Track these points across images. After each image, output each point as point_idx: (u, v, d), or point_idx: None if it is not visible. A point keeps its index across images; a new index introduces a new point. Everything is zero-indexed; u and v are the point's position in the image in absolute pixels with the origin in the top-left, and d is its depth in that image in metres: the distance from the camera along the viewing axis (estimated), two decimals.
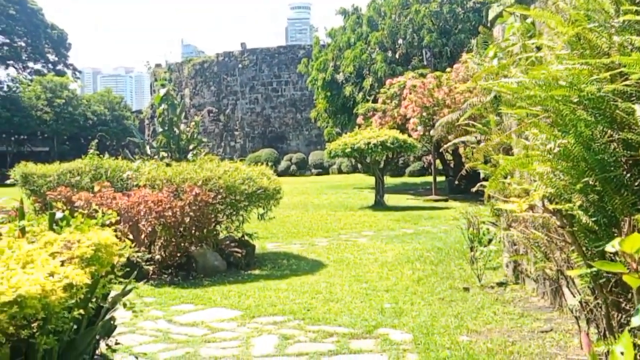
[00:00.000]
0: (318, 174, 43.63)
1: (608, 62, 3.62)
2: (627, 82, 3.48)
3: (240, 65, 50.66)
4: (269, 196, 10.26)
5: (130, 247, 5.09)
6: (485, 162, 7.03)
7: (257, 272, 9.60)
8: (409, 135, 20.60)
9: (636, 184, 3.66)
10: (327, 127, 33.35)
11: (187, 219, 9.17)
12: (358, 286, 8.17)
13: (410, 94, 22.24)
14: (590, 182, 3.79)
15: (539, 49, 5.19)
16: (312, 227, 14.72)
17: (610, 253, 3.42)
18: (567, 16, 4.12)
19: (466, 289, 7.74)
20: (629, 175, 3.73)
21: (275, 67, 50.37)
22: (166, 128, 13.88)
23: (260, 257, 10.65)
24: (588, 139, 3.75)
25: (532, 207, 4.61)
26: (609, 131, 3.77)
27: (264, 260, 10.42)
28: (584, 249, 4.00)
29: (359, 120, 25.46)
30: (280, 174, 35.04)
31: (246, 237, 10.59)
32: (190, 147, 14.07)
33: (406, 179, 34.40)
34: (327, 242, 12.47)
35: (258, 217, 10.74)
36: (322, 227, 14.70)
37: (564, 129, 3.84)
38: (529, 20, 6.30)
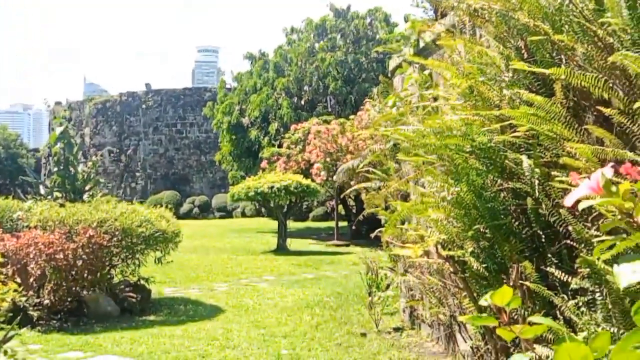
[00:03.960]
0: (221, 217, 43.03)
1: (498, 114, 3.76)
2: (516, 134, 3.61)
3: (144, 106, 49.79)
4: (167, 239, 10.01)
5: (17, 291, 4.82)
6: (387, 209, 7.13)
7: (152, 317, 9.29)
8: (313, 180, 20.73)
9: (524, 231, 3.78)
10: (231, 170, 33.09)
11: (80, 262, 8.80)
12: (256, 332, 8.03)
13: (315, 139, 22.47)
14: (481, 230, 3.89)
15: (435, 99, 5.36)
16: (212, 272, 14.43)
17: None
18: (462, 69, 4.27)
19: (363, 335, 7.74)
20: (517, 223, 3.85)
21: (180, 108, 49.76)
22: (61, 167, 13.34)
23: (156, 302, 10.32)
24: (479, 187, 3.86)
25: (427, 253, 4.68)
26: (499, 180, 3.89)
27: (160, 306, 10.10)
28: (475, 294, 4.07)
29: (264, 164, 25.41)
30: (183, 217, 34.38)
31: (142, 282, 10.25)
32: (87, 187, 13.57)
33: (310, 224, 34.47)
34: (227, 286, 12.25)
35: (155, 261, 10.43)
36: (222, 272, 14.44)
37: (457, 177, 3.94)
38: (426, 72, 6.51)
